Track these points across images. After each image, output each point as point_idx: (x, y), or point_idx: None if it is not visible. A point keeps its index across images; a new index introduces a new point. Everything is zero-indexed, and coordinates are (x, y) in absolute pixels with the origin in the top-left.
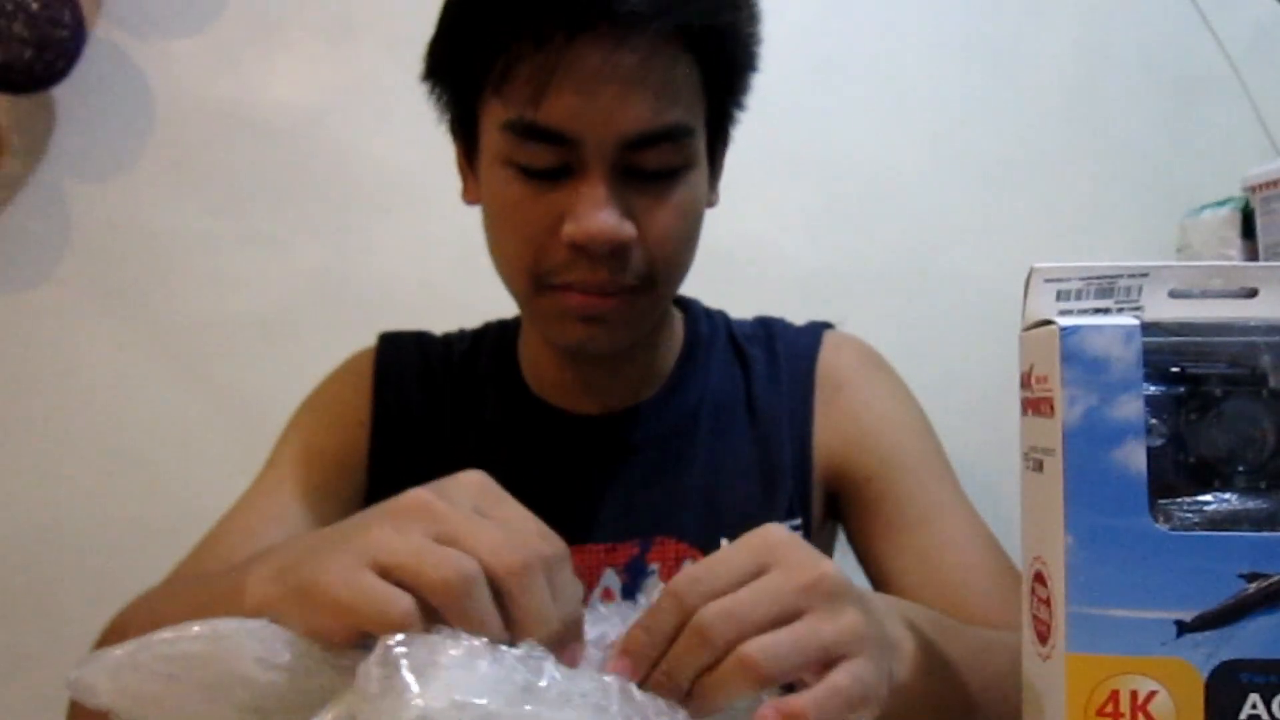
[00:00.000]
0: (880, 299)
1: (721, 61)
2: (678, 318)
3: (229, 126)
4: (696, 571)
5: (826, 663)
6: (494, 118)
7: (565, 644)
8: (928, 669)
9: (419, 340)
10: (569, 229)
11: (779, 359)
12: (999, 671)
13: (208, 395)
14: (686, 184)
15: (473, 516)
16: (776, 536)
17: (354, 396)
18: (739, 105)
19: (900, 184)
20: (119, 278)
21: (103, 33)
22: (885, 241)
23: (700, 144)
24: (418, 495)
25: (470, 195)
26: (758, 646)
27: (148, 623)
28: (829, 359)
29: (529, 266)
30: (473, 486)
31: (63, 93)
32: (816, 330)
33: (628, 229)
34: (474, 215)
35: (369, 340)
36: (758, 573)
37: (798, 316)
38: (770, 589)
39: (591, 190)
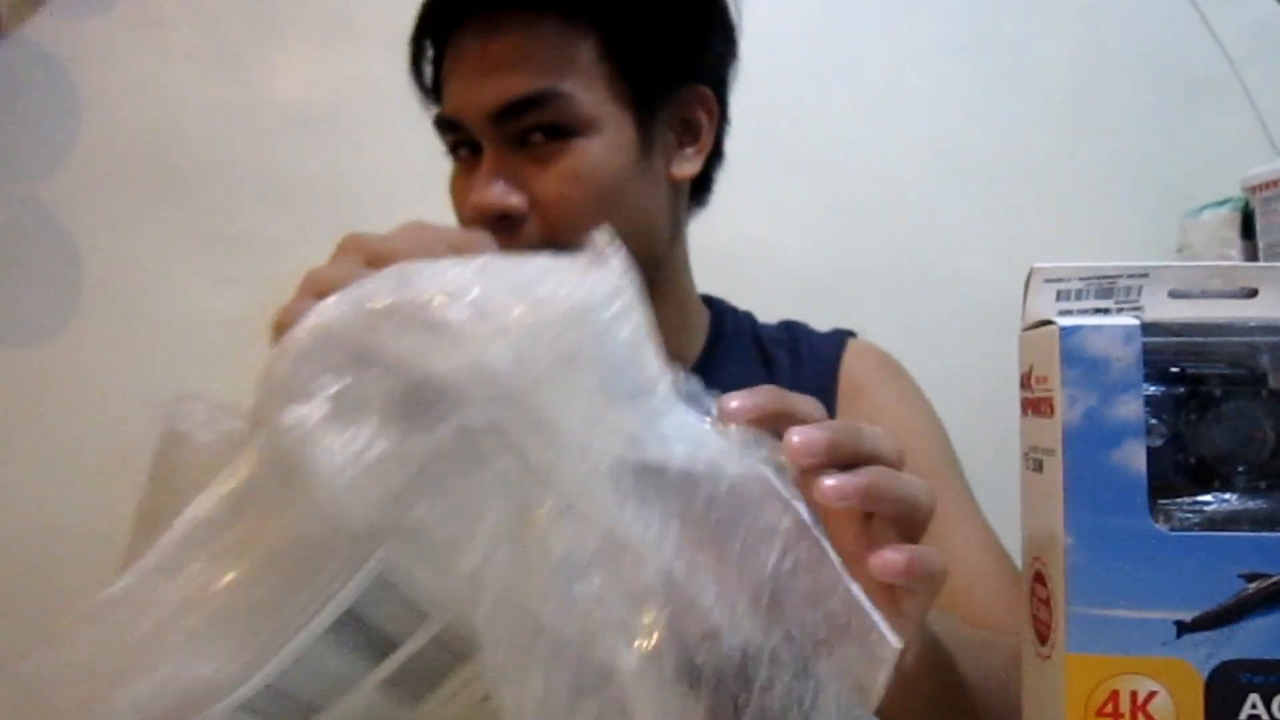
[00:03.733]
0: (880, 299)
1: (621, 27)
2: (703, 313)
3: (228, 126)
4: None
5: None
6: None
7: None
8: (931, 662)
9: None
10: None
11: (803, 362)
12: (997, 670)
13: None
14: (577, 150)
15: (401, 235)
16: None
17: None
18: (680, 76)
19: (900, 184)
20: (118, 277)
21: (101, 30)
22: (885, 242)
23: (591, 110)
24: (350, 234)
25: None
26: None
27: None
28: (851, 365)
29: None
30: (411, 225)
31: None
32: (840, 337)
33: (512, 198)
34: None
35: None
36: None
37: (798, 316)
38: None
39: (482, 167)
